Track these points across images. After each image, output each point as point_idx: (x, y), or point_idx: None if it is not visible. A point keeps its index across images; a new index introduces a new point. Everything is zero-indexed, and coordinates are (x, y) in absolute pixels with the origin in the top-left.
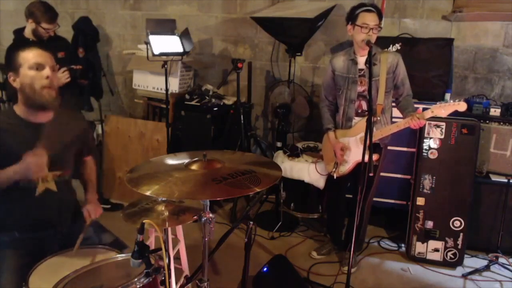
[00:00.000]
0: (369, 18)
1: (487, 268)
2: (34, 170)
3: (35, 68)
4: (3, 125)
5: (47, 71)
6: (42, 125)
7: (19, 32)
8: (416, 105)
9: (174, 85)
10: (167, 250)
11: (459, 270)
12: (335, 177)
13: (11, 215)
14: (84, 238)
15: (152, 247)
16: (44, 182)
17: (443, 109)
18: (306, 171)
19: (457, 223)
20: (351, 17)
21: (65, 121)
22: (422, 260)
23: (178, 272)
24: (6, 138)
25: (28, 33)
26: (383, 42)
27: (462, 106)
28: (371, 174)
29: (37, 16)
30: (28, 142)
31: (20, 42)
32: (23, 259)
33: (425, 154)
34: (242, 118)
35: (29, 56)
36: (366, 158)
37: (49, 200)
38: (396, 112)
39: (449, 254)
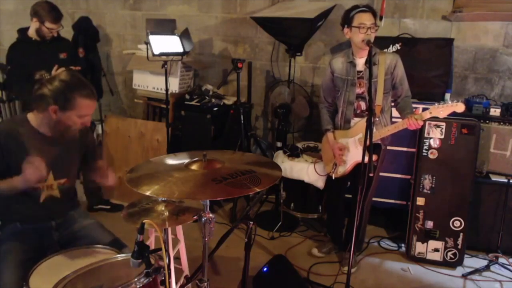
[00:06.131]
0: (365, 18)
1: (487, 268)
2: (33, 178)
3: (82, 117)
4: (14, 132)
5: (86, 120)
6: (52, 137)
7: (23, 32)
8: (416, 105)
9: (174, 85)
10: (167, 250)
11: (459, 270)
12: (333, 178)
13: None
14: (82, 237)
15: (152, 247)
16: (48, 190)
17: (441, 110)
18: (306, 171)
19: (457, 223)
20: (347, 20)
21: None
22: (422, 260)
23: (178, 272)
24: (14, 146)
25: (31, 32)
26: (383, 42)
27: (460, 107)
28: (371, 174)
29: (42, 16)
30: (36, 152)
31: (23, 41)
32: (26, 254)
33: (425, 154)
34: (242, 118)
35: (84, 106)
36: (366, 159)
37: (52, 205)
38: (396, 113)
39: (449, 254)
